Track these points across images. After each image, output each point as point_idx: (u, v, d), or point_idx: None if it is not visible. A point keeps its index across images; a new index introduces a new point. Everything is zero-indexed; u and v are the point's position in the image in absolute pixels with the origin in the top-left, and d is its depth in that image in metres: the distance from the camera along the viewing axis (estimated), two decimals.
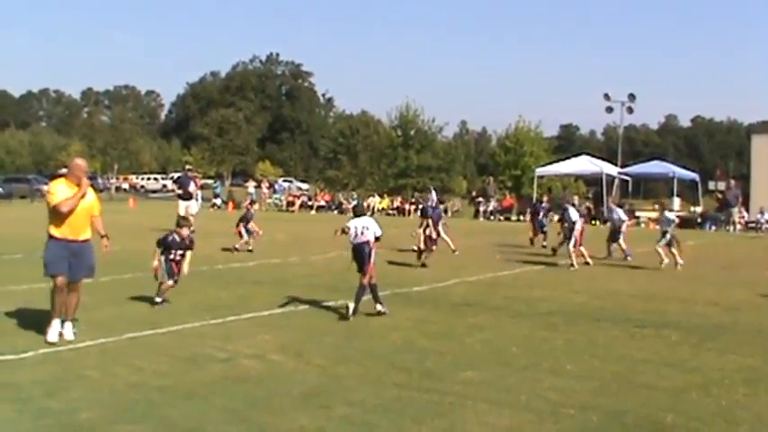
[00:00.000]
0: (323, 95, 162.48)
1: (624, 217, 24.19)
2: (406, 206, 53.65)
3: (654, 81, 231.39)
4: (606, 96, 62.89)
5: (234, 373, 9.21)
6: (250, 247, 24.30)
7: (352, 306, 13.04)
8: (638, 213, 47.91)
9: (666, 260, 21.03)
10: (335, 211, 54.78)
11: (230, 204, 58.15)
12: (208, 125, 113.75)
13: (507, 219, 49.42)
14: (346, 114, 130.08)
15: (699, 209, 49.25)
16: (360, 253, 13.54)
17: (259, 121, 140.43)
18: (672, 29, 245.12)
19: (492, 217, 49.41)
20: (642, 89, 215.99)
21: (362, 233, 13.65)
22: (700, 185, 52.72)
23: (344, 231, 14.01)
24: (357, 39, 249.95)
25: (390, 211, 53.91)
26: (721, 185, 57.63)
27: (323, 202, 58.51)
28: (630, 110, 62.88)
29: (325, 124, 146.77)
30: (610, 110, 63.52)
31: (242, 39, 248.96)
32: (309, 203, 58.51)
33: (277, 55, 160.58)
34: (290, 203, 58.60)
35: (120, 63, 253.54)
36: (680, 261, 21.05)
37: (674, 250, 21.17)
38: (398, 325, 12.46)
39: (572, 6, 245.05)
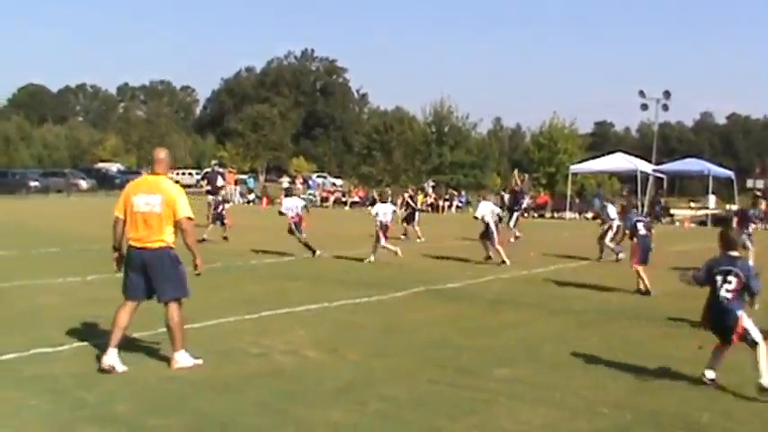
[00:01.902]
0: (357, 91, 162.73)
1: (614, 216, 22.54)
2: (440, 202, 53.67)
3: (689, 78, 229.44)
4: (641, 93, 62.52)
5: (268, 368, 9.24)
6: (225, 234, 25.78)
7: None
8: (672, 211, 47.67)
9: (507, 260, 20.49)
10: (370, 207, 54.80)
11: (264, 200, 58.36)
12: (242, 121, 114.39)
13: (542, 216, 49.30)
14: (380, 110, 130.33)
15: (735, 207, 48.82)
16: None
17: (293, 117, 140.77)
18: (707, 25, 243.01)
19: (526, 214, 49.28)
20: (677, 86, 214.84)
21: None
22: (735, 183, 52.27)
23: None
24: (391, 35, 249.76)
25: (425, 208, 53.89)
26: (759, 183, 57.12)
27: (357, 198, 58.56)
28: (666, 107, 62.48)
29: (359, 120, 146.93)
30: (645, 107, 63.13)
31: (277, 35, 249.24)
32: (343, 199, 58.61)
33: (312, 51, 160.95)
34: (324, 199, 58.72)
35: (155, 58, 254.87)
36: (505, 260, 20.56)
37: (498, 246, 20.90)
38: (432, 321, 12.46)
39: (607, 2, 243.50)
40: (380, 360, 9.70)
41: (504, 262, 20.45)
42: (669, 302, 14.81)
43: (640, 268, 16.07)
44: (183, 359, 9.18)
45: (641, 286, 15.93)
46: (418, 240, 27.77)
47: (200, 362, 9.23)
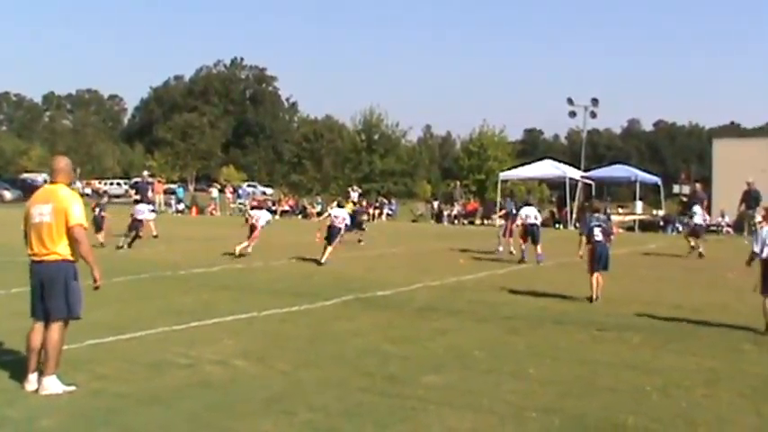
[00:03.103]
0: (287, 100, 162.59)
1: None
2: (371, 210, 53.70)
3: (617, 86, 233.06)
4: (569, 101, 63.18)
5: (197, 379, 9.16)
6: (102, 241, 25.72)
7: None
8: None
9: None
10: (300, 216, 54.65)
11: (194, 209, 57.86)
12: (171, 129, 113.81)
13: (471, 223, 49.58)
14: (310, 119, 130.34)
15: (661, 212, 49.59)
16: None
17: (223, 126, 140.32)
18: (634, 33, 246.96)
19: (456, 221, 49.52)
20: (605, 94, 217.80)
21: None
22: (662, 189, 53.03)
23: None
24: (321, 43, 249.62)
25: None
26: (685, 189, 57.99)
27: (287, 207, 58.36)
28: (593, 114, 63.16)
29: (289, 129, 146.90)
30: (573, 114, 63.77)
31: (206, 43, 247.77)
32: (273, 208, 58.34)
33: (241, 59, 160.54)
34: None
35: (82, 67, 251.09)
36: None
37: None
38: (361, 329, 12.47)
39: (536, 11, 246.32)
40: (309, 370, 9.69)
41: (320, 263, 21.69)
42: (597, 307, 15.01)
43: (596, 276, 15.67)
44: (52, 385, 8.54)
45: (595, 294, 15.57)
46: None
47: (71, 389, 8.61)
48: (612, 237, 16.19)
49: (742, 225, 38.33)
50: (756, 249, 13.02)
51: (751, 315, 13.45)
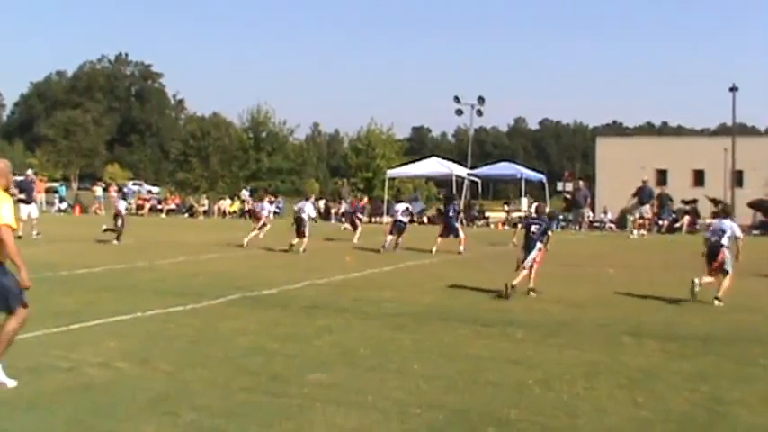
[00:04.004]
0: (173, 97, 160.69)
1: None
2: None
3: (503, 84, 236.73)
4: (456, 99, 63.93)
5: (78, 382, 8.96)
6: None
7: None
8: (487, 214, 48.98)
9: None
10: (186, 215, 54.05)
11: (77, 208, 56.72)
12: (53, 126, 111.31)
13: (359, 220, 49.69)
14: (197, 116, 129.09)
15: (546, 209, 50.54)
16: None
17: (107, 123, 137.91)
18: (518, 32, 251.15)
19: (344, 219, 49.56)
20: (492, 92, 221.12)
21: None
22: (547, 186, 54.05)
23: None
24: (208, 39, 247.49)
25: (242, 215, 53.25)
26: (569, 186, 59.23)
27: (173, 206, 57.72)
28: (480, 112, 64.03)
29: (175, 126, 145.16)
30: (460, 112, 64.58)
31: (89, 37, 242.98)
32: (159, 207, 57.61)
33: (126, 55, 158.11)
34: (140, 207, 57.49)
35: None
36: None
37: None
38: (247, 328, 12.39)
39: (423, 8, 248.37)
40: (194, 370, 9.57)
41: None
42: (481, 303, 15.24)
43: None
44: None
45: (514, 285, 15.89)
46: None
47: None
48: (549, 237, 16.71)
49: (625, 221, 39.38)
50: (707, 235, 15.54)
51: (631, 308, 13.85)
